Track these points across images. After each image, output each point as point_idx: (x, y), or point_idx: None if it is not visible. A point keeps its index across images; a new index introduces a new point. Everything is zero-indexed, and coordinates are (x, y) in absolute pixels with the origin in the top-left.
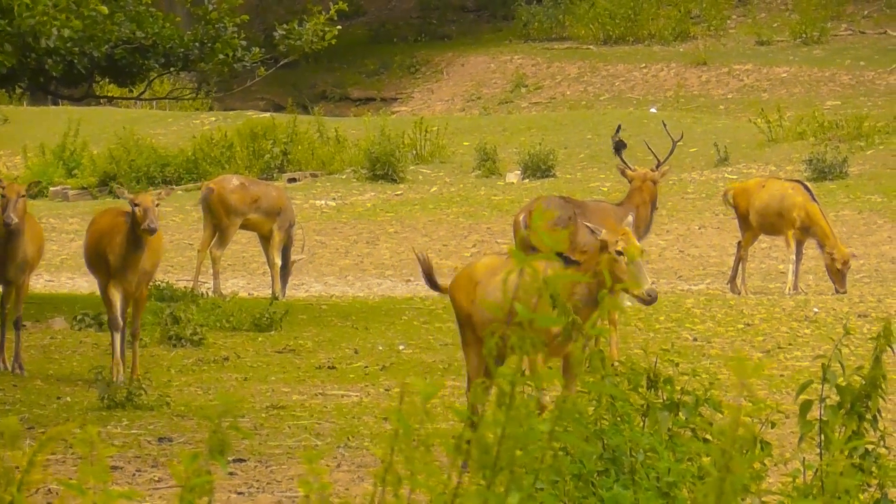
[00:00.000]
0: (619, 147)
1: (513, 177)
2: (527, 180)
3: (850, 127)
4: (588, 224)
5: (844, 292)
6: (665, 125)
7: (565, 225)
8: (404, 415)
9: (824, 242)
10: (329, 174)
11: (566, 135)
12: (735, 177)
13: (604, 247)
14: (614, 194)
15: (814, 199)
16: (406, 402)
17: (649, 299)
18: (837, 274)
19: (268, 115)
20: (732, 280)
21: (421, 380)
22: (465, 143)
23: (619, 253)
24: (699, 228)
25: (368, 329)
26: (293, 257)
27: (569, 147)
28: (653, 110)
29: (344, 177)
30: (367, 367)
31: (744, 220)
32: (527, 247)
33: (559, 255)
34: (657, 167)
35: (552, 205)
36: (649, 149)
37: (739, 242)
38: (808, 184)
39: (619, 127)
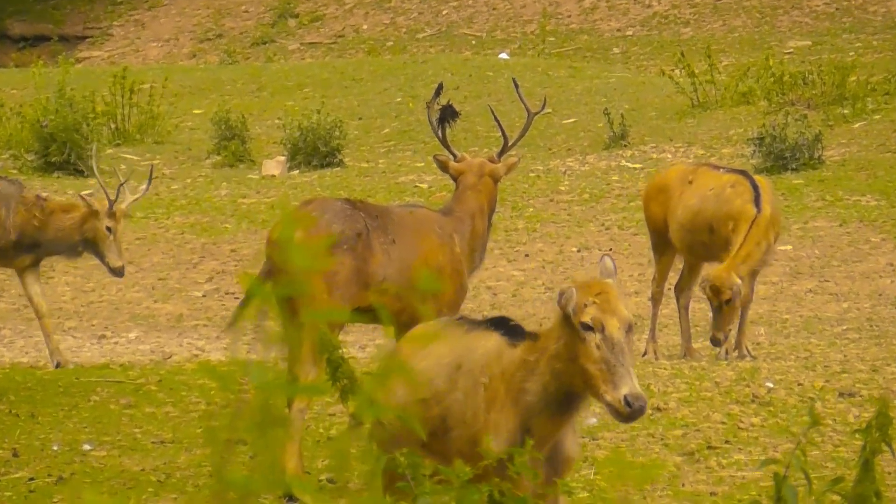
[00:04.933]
0: (445, 117)
1: (274, 166)
2: (297, 171)
3: (827, 84)
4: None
5: (718, 342)
6: (517, 85)
7: (352, 245)
8: None
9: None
10: None
11: (362, 97)
12: (638, 165)
13: (563, 310)
14: (440, 195)
15: (756, 205)
16: None
17: (629, 411)
18: (715, 312)
19: None
20: (686, 342)
21: (115, 500)
22: (197, 112)
23: (588, 328)
24: (578, 251)
25: (35, 417)
26: None
27: (366, 118)
28: (503, 56)
29: None
30: (32, 479)
31: (659, 236)
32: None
33: (499, 320)
34: (501, 152)
35: (330, 213)
36: (497, 122)
37: (678, 285)
38: (759, 178)
39: (441, 87)
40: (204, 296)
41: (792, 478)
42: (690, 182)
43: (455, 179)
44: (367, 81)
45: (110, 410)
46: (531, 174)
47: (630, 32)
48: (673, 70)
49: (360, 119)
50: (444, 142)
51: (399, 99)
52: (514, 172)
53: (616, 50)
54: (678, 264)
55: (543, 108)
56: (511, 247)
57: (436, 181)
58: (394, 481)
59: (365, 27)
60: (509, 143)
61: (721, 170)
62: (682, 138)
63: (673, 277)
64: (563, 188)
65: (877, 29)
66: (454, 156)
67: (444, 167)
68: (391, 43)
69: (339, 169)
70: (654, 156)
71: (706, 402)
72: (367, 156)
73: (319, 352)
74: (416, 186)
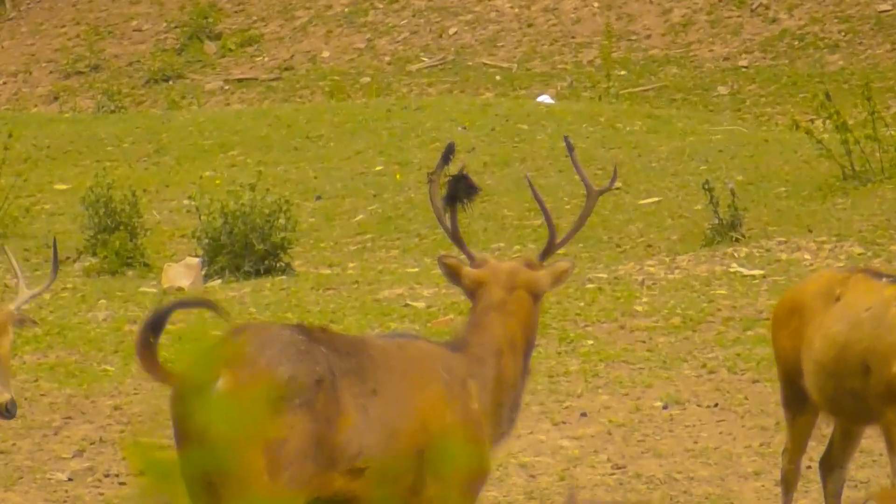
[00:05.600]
0: (456, 196)
1: (182, 273)
2: (218, 282)
3: None
4: None
5: None
6: (570, 146)
7: (309, 398)
8: None
9: None
10: None
11: (321, 164)
12: (759, 272)
13: None
14: (445, 319)
15: None
16: None
17: None
18: None
19: None
20: None
21: None
22: (60, 187)
23: None
24: (665, 408)
25: None
26: None
27: (329, 197)
28: (545, 98)
29: None
30: None
31: (792, 383)
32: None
33: None
34: (545, 252)
35: (274, 347)
36: (539, 203)
37: (824, 460)
38: None
39: (450, 148)
40: (70, 479)
41: None
42: (838, 298)
43: (471, 295)
44: (331, 139)
45: None
46: (590, 286)
47: (744, 62)
48: (812, 121)
49: (318, 199)
50: (454, 235)
51: (380, 167)
52: (564, 284)
53: (722, 89)
54: (825, 429)
55: (613, 182)
56: (559, 401)
57: (439, 297)
58: None
59: (326, 54)
60: (557, 239)
61: (884, 279)
62: (829, 229)
63: (817, 449)
64: (639, 308)
65: None
66: (470, 258)
67: (454, 275)
68: (368, 78)
69: (285, 277)
70: (784, 256)
71: None
72: (329, 257)
73: None
74: (407, 305)
